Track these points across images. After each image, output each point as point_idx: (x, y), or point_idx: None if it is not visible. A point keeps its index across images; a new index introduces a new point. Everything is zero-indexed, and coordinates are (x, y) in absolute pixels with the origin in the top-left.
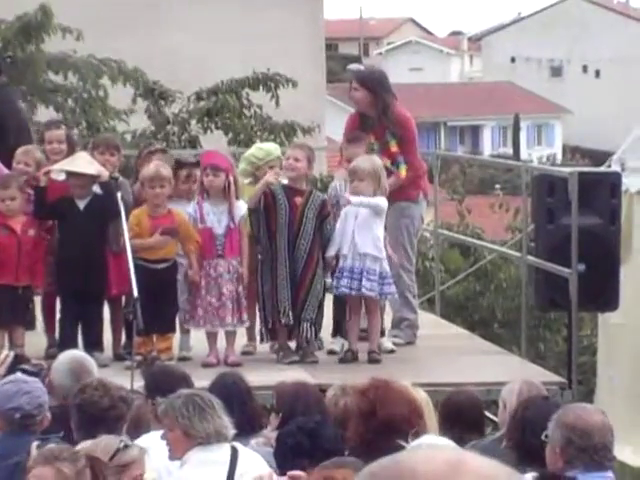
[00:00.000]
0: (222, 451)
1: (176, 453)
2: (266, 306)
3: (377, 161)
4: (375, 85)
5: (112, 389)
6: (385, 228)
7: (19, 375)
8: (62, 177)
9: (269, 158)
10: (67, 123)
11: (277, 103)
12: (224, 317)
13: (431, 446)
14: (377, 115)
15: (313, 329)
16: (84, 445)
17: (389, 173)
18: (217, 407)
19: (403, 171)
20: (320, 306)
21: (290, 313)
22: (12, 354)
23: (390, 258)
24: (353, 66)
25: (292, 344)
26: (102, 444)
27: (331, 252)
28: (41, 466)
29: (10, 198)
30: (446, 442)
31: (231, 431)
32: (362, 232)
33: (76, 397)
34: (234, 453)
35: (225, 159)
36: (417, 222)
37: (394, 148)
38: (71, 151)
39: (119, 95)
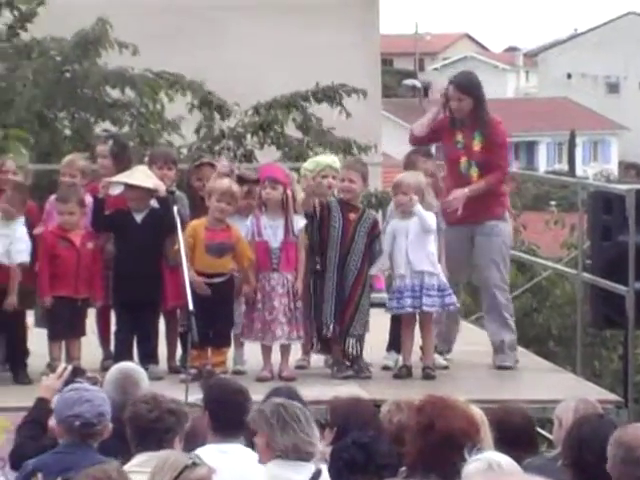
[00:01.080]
0: (302, 470)
1: (262, 460)
2: (317, 318)
3: (422, 177)
4: (476, 90)
5: (162, 402)
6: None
7: (81, 384)
8: (118, 191)
9: (319, 168)
10: (120, 137)
11: (347, 114)
12: (275, 330)
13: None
14: (472, 116)
15: (359, 345)
16: (149, 459)
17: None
18: (304, 421)
19: (474, 174)
20: (366, 323)
21: (331, 326)
22: (70, 367)
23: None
24: (413, 81)
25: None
26: (170, 460)
27: (374, 270)
28: None
29: (69, 212)
30: (505, 459)
31: (316, 449)
32: (415, 250)
33: (128, 410)
34: (315, 476)
35: (284, 173)
36: (508, 240)
37: (477, 147)
38: (124, 164)
39: (176, 110)
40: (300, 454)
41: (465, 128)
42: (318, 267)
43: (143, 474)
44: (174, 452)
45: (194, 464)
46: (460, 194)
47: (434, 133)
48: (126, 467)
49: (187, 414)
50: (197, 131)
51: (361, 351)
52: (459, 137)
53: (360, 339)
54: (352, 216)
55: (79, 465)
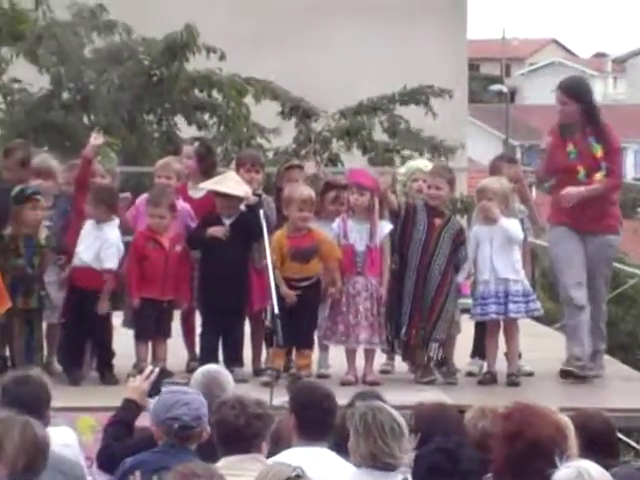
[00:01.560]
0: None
1: (353, 462)
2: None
3: (506, 183)
4: (584, 94)
5: (249, 407)
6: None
7: (180, 387)
8: (200, 194)
9: (410, 172)
10: (206, 139)
11: (434, 115)
12: (359, 335)
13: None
14: (582, 122)
15: (441, 350)
16: (236, 462)
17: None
18: (388, 431)
19: (599, 176)
20: (450, 327)
21: (404, 328)
22: (157, 369)
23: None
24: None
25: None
26: (273, 471)
27: (461, 277)
28: None
29: (160, 216)
30: (595, 467)
31: (397, 461)
32: (500, 257)
33: (214, 414)
34: None
35: (371, 178)
36: (615, 253)
37: (599, 153)
38: (209, 166)
39: (263, 113)
40: (376, 463)
41: (576, 137)
42: (393, 266)
43: (230, 477)
44: (278, 462)
45: (297, 476)
46: (575, 192)
47: (551, 158)
48: None
49: (272, 417)
50: (299, 132)
51: (448, 356)
52: (570, 147)
53: (442, 344)
54: (437, 221)
55: (175, 465)
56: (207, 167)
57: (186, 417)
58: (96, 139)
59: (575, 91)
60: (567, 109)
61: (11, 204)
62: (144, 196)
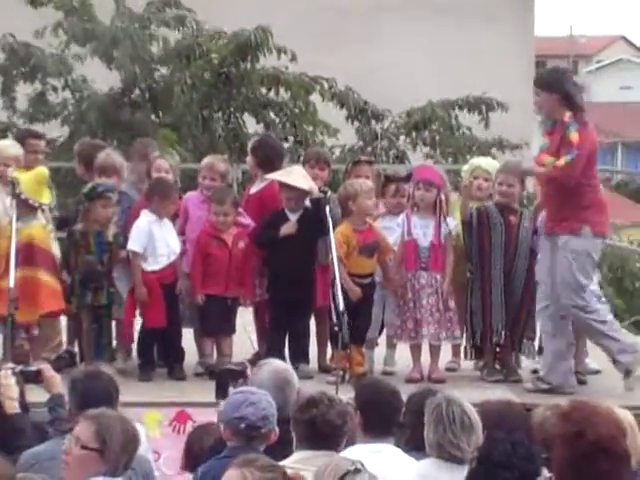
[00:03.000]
0: (453, 472)
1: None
2: (474, 324)
3: None
4: (556, 84)
5: (339, 404)
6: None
7: (249, 387)
8: (258, 188)
9: (471, 169)
10: (266, 136)
11: (487, 125)
12: (424, 329)
13: None
14: (560, 112)
15: (534, 347)
16: (310, 457)
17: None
18: (458, 423)
19: (548, 160)
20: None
21: (502, 333)
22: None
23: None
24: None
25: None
26: (333, 464)
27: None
28: (232, 469)
29: (224, 213)
30: None
31: (464, 454)
32: None
33: (303, 412)
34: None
35: (438, 175)
36: (582, 256)
37: (574, 139)
38: (266, 163)
39: (328, 112)
40: (443, 454)
41: (557, 127)
42: (468, 275)
43: (303, 472)
44: (338, 456)
45: (356, 470)
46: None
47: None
48: (286, 462)
49: (352, 414)
50: (360, 135)
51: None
52: (544, 141)
53: (534, 342)
54: (513, 219)
55: None
56: (261, 161)
57: (253, 417)
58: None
59: (546, 82)
60: (539, 101)
61: (82, 201)
62: (193, 194)
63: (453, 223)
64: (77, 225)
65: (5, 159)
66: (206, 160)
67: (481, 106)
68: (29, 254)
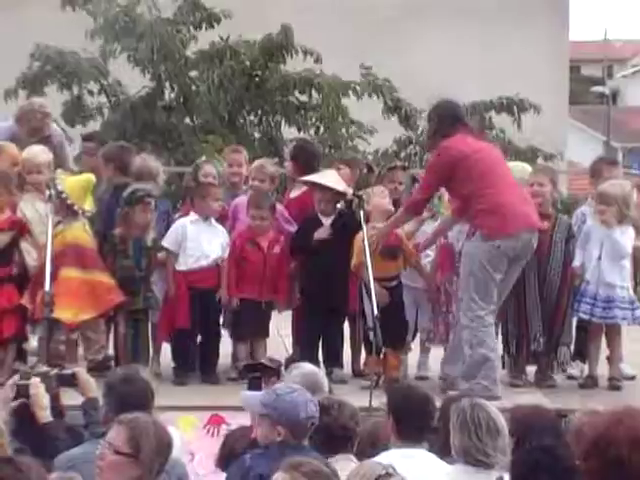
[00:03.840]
0: (484, 477)
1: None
2: (509, 331)
3: (627, 187)
4: (432, 113)
5: (349, 408)
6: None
7: (295, 385)
8: (297, 193)
9: None
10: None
11: (519, 126)
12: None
13: None
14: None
15: (569, 353)
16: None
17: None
18: (484, 427)
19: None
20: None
21: (540, 340)
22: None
23: None
24: None
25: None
26: (365, 469)
27: (577, 262)
28: (280, 472)
29: (261, 217)
30: None
31: (491, 459)
32: (609, 260)
33: (320, 418)
34: None
35: None
36: (477, 257)
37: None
38: (304, 167)
39: (363, 112)
40: (469, 459)
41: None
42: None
43: None
44: (369, 461)
45: (388, 474)
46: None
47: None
48: None
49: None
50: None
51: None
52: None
53: (569, 347)
54: (546, 224)
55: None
56: (302, 167)
57: (316, 413)
58: None
59: (430, 112)
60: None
61: (122, 205)
62: (242, 198)
63: None
64: (116, 229)
65: (37, 166)
66: (256, 162)
67: (513, 107)
68: (76, 254)
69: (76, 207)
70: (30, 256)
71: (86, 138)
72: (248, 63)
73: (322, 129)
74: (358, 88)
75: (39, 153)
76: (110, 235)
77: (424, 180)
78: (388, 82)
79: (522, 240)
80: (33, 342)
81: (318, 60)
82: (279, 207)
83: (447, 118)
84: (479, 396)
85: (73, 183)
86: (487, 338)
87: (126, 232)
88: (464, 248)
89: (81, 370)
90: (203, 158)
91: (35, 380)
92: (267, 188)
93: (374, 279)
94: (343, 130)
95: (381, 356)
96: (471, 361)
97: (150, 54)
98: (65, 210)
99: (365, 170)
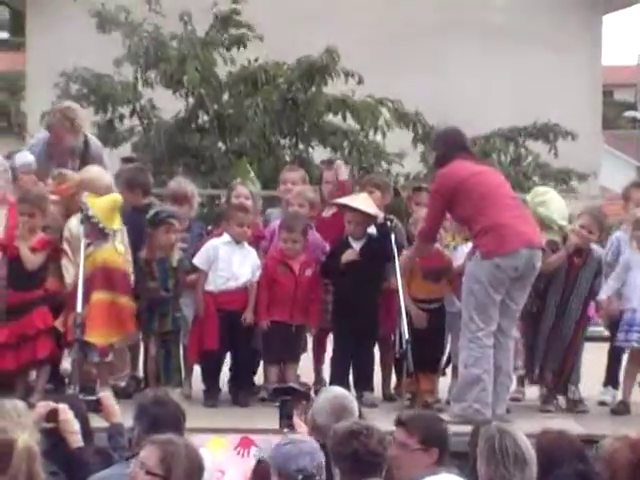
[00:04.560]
0: None
1: None
2: (535, 355)
3: None
4: (434, 142)
5: (377, 431)
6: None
7: (296, 435)
8: (329, 213)
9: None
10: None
11: (555, 154)
12: None
13: None
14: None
15: (579, 391)
16: None
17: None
18: (512, 456)
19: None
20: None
21: (537, 371)
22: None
23: None
24: None
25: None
26: None
27: (602, 295)
28: None
29: (293, 240)
30: None
31: None
32: None
33: (344, 445)
34: None
35: None
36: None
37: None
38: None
39: (396, 136)
40: None
41: None
42: (534, 309)
43: None
44: None
45: None
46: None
47: None
48: None
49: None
50: (422, 161)
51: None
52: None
53: (578, 385)
54: (577, 260)
55: None
56: (334, 189)
57: (310, 468)
58: None
59: (433, 140)
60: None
61: (146, 227)
62: (276, 222)
63: None
64: (141, 252)
65: (99, 189)
66: (297, 188)
67: (548, 134)
68: (105, 277)
69: (107, 230)
70: (68, 274)
71: (126, 160)
72: (285, 86)
73: (355, 153)
74: (387, 116)
75: (103, 176)
76: (135, 257)
77: (428, 208)
78: (417, 112)
79: (521, 258)
80: (66, 364)
81: (360, 82)
82: (317, 236)
83: (447, 145)
84: (471, 421)
85: (102, 204)
86: (482, 359)
87: (150, 254)
88: (466, 268)
89: (106, 395)
90: (238, 180)
91: (63, 406)
92: (305, 213)
93: (414, 300)
94: (372, 156)
95: (413, 379)
96: (462, 381)
97: (181, 75)
98: (96, 233)
99: (392, 194)
